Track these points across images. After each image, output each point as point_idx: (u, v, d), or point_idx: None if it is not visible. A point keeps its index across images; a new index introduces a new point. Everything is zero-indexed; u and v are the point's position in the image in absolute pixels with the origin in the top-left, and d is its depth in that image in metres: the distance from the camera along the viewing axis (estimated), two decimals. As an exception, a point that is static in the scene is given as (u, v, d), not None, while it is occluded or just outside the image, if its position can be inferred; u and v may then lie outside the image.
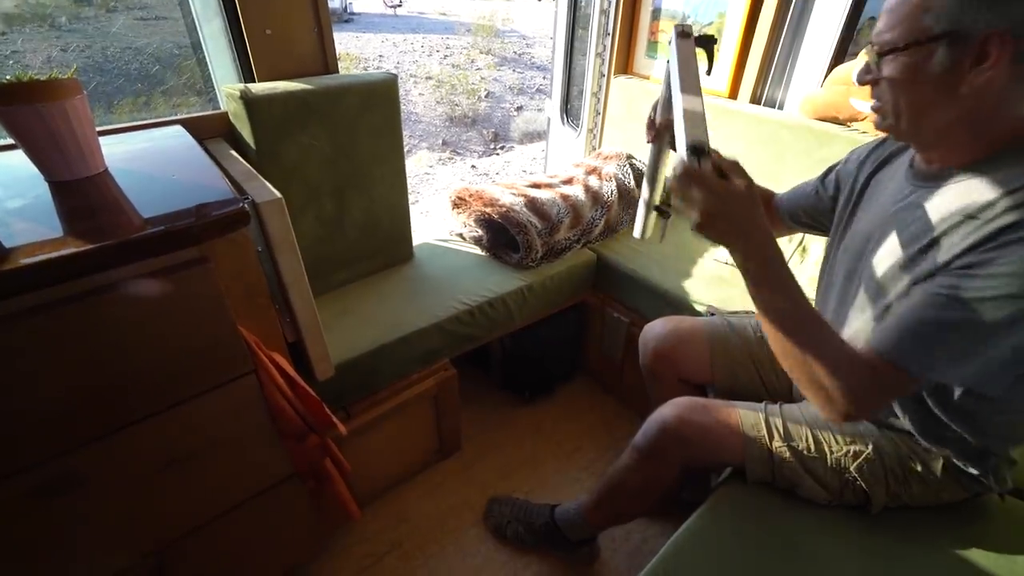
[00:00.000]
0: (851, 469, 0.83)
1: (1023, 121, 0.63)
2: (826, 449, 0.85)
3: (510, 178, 1.59)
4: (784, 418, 0.89)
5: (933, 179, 0.71)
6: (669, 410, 0.92)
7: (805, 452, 0.85)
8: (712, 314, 1.25)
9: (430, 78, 8.12)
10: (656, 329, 1.15)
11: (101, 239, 0.66)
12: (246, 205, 0.77)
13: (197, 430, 0.84)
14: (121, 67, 1.71)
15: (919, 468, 0.82)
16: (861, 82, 0.70)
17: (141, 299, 0.70)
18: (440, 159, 5.84)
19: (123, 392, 0.74)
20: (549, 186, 1.67)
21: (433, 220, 1.86)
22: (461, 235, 1.67)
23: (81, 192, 0.79)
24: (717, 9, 1.69)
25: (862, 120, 1.47)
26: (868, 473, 0.83)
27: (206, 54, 1.27)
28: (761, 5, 1.57)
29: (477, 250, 1.62)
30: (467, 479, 1.52)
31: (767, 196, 1.07)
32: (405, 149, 1.44)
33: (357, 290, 1.43)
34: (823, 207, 0.96)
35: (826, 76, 1.54)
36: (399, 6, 14.76)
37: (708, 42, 0.81)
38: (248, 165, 1.05)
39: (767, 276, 0.68)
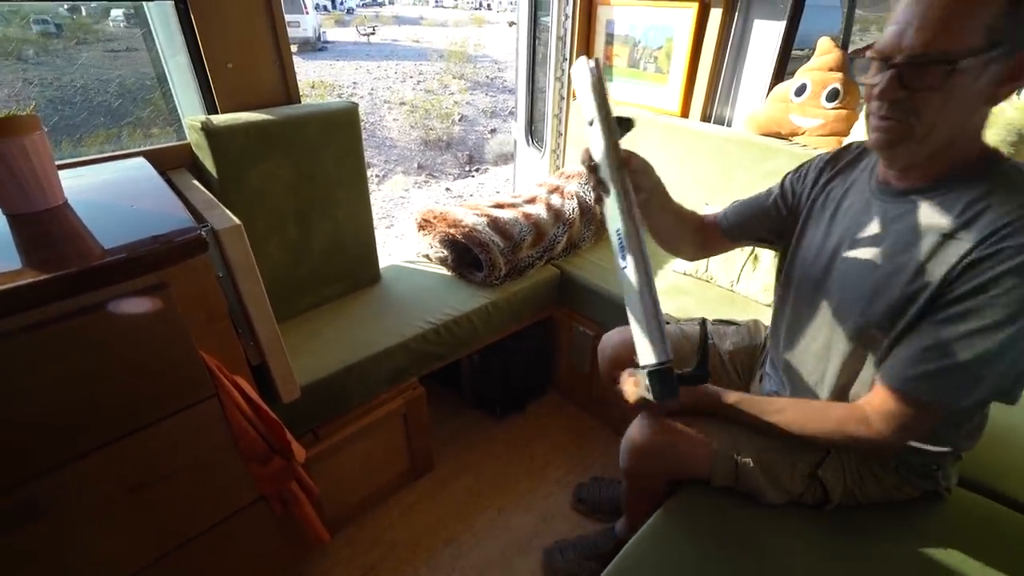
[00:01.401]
0: (817, 472, 0.86)
1: (983, 142, 0.69)
2: (790, 453, 0.87)
3: (484, 199, 1.65)
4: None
5: (903, 195, 0.73)
6: (634, 432, 0.94)
7: (770, 459, 0.87)
8: (667, 323, 1.30)
9: (404, 103, 8.24)
10: (613, 339, 1.19)
11: (58, 269, 0.67)
12: (204, 232, 0.79)
13: (160, 455, 0.85)
14: (90, 99, 1.73)
15: (875, 469, 0.86)
16: (887, 98, 0.65)
17: (101, 326, 0.72)
18: (416, 183, 5.90)
19: (83, 419, 0.75)
20: (512, 206, 1.73)
21: (408, 243, 1.89)
22: (427, 256, 1.71)
23: (40, 224, 0.81)
24: (665, 35, 1.79)
25: (801, 135, 1.57)
26: (831, 474, 0.86)
27: (171, 87, 1.31)
28: (705, 30, 1.67)
29: (443, 270, 1.66)
30: (440, 499, 1.53)
31: (695, 220, 1.05)
32: (380, 174, 1.49)
33: (324, 313, 1.45)
34: (779, 218, 0.96)
35: (768, 94, 1.64)
36: (372, 34, 15.00)
37: (627, 124, 0.79)
38: (210, 194, 1.07)
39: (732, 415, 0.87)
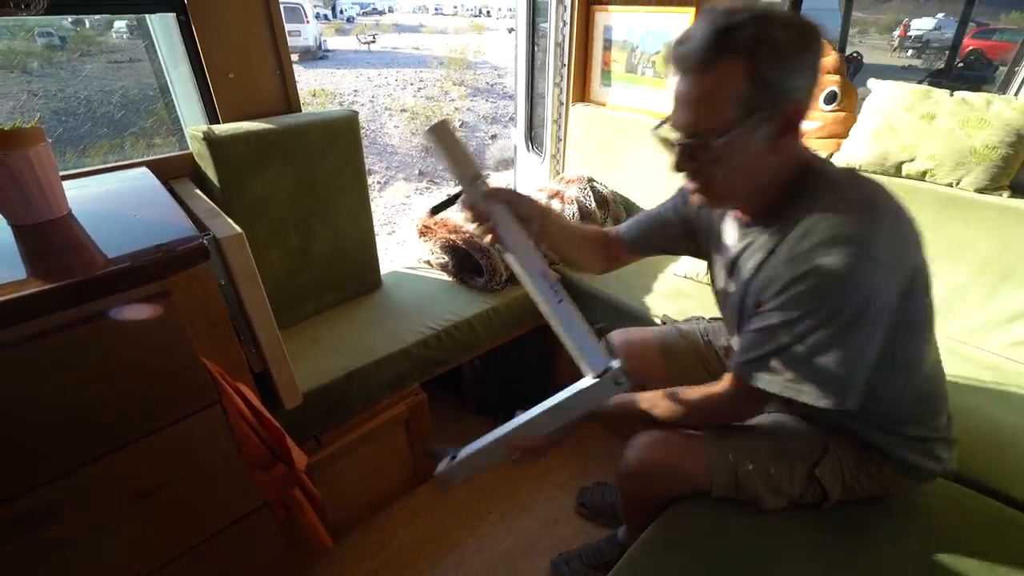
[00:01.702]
0: (815, 472, 0.87)
1: (798, 171, 0.73)
2: (788, 457, 0.88)
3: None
4: (743, 434, 0.92)
5: (747, 226, 0.81)
6: (631, 453, 0.95)
7: (767, 465, 0.88)
8: (664, 323, 1.30)
9: (405, 110, 8.28)
10: (619, 338, 1.19)
11: (63, 278, 0.68)
12: (206, 241, 0.80)
13: (164, 462, 0.86)
14: (94, 110, 1.75)
15: (869, 463, 0.87)
16: (682, 170, 0.74)
17: (104, 335, 0.73)
18: (417, 189, 5.92)
19: (88, 427, 0.76)
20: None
21: (410, 249, 1.91)
22: (428, 262, 1.71)
23: (44, 235, 0.82)
24: (662, 39, 1.80)
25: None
26: (828, 472, 0.87)
27: (174, 97, 1.32)
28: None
29: (444, 276, 1.66)
30: (443, 504, 1.53)
31: (597, 238, 1.08)
32: (382, 180, 1.50)
33: (326, 320, 1.46)
34: (680, 230, 0.99)
35: (766, 98, 1.65)
36: (372, 42, 15.09)
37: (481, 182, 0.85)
38: (212, 203, 1.08)
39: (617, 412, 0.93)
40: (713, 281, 0.98)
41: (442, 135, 0.80)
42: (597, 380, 0.80)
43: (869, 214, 0.68)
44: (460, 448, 0.91)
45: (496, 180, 6.08)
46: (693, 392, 0.87)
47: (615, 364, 0.79)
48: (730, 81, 0.63)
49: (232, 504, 0.99)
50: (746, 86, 0.63)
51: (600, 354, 0.81)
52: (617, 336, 1.20)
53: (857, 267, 0.64)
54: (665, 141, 0.73)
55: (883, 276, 0.66)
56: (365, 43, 14.95)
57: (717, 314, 1.30)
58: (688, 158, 0.71)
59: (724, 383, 0.82)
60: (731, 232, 0.86)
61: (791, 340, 0.70)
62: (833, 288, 0.66)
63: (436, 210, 0.89)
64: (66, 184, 0.89)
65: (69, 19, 2.49)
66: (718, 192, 0.75)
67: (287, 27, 1.33)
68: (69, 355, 0.71)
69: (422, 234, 1.68)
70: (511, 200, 0.86)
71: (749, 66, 0.62)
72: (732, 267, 0.85)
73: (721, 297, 0.94)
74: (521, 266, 0.83)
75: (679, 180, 0.78)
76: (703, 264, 1.58)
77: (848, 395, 0.71)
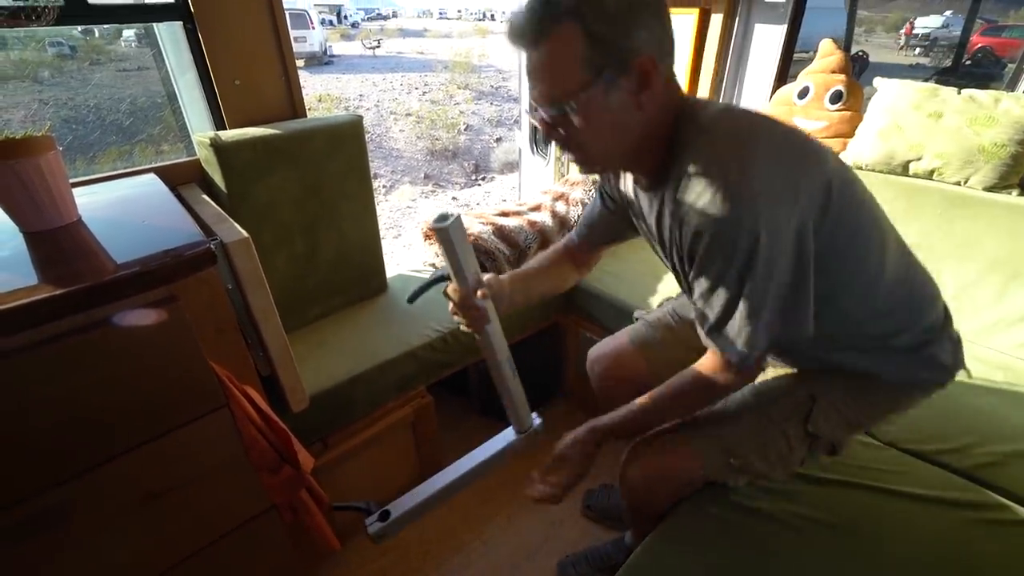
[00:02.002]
0: (807, 428, 0.86)
1: (673, 123, 0.71)
2: (776, 424, 0.87)
3: (490, 208, 1.68)
4: (725, 418, 0.91)
5: (648, 190, 0.80)
6: (630, 470, 0.95)
7: (760, 439, 0.87)
8: (637, 318, 1.29)
9: (410, 114, 8.33)
10: (595, 353, 1.20)
11: (72, 284, 0.69)
12: (213, 246, 0.81)
13: (173, 465, 0.86)
14: (103, 118, 1.77)
15: (863, 393, 0.86)
16: (550, 140, 0.74)
17: (113, 339, 0.74)
18: (422, 192, 5.95)
19: (97, 430, 0.77)
20: (517, 214, 1.74)
21: (415, 252, 1.91)
22: (434, 265, 1.72)
23: (55, 241, 0.83)
24: (666, 41, 1.80)
25: (806, 138, 1.56)
26: (823, 421, 0.86)
27: (181, 104, 1.34)
28: (706, 36, 1.68)
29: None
30: (449, 506, 1.52)
31: (560, 261, 1.07)
32: (388, 184, 1.52)
33: (332, 323, 1.47)
34: (614, 220, 0.98)
35: (771, 98, 1.64)
36: (377, 47, 15.19)
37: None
38: (219, 208, 1.09)
39: (619, 432, 0.90)
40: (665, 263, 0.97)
41: (456, 233, 0.77)
42: (522, 434, 1.00)
43: (743, 148, 0.66)
44: (377, 503, 0.95)
45: (501, 183, 6.07)
46: (683, 383, 0.83)
47: (537, 422, 1.00)
48: (567, 45, 0.64)
49: (240, 506, 0.99)
50: (583, 47, 0.63)
51: (529, 416, 0.99)
52: (598, 347, 1.21)
53: (741, 206, 0.63)
54: (539, 120, 0.72)
55: (777, 204, 0.64)
56: (370, 48, 15.05)
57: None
58: (553, 128, 0.71)
59: (708, 362, 0.80)
60: (644, 201, 0.83)
61: (729, 294, 0.69)
62: (729, 235, 0.65)
63: (413, 298, 0.91)
64: (76, 191, 0.90)
65: (79, 28, 2.53)
66: (592, 156, 0.74)
67: (292, 33, 1.34)
68: (79, 359, 0.72)
69: (427, 237, 1.68)
70: (493, 292, 0.89)
71: (580, 28, 0.62)
72: (658, 237, 0.83)
73: (670, 269, 0.92)
74: (493, 350, 0.91)
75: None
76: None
77: (806, 324, 0.72)
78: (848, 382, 0.87)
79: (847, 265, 0.74)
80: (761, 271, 0.66)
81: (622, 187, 0.91)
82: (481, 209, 1.76)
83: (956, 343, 0.87)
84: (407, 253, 3.94)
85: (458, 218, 0.75)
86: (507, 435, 0.98)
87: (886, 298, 0.80)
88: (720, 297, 0.70)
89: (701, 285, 0.72)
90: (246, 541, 1.01)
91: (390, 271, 1.68)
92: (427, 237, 1.70)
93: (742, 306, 0.69)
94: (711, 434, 0.90)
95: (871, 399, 0.87)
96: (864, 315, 0.80)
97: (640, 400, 0.87)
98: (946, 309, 0.87)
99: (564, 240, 1.09)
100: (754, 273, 0.66)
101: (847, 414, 0.87)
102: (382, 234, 1.64)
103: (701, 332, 0.77)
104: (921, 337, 0.84)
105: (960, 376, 0.89)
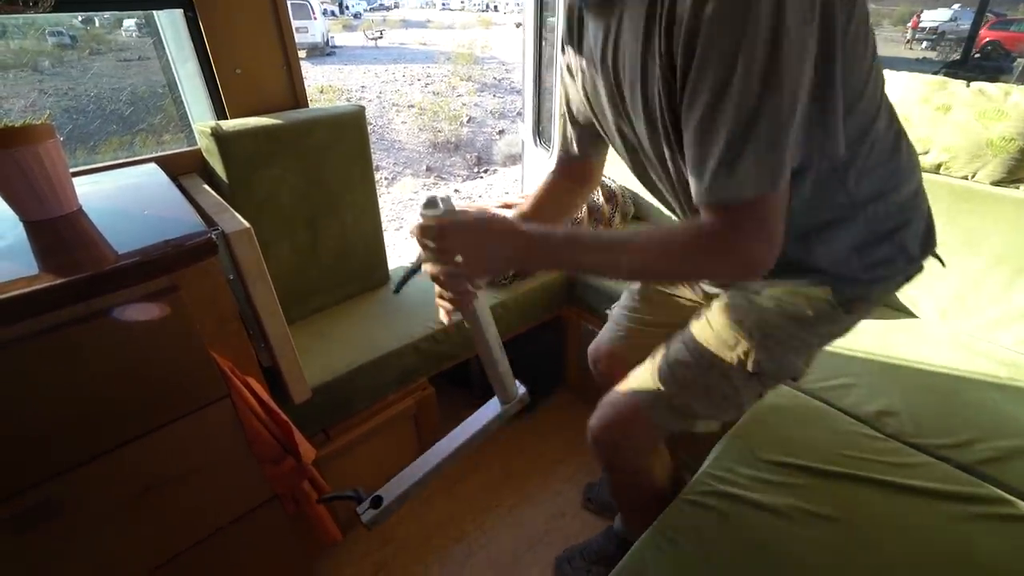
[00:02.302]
0: (747, 366, 0.81)
1: None
2: (716, 367, 0.83)
3: (492, 200, 1.67)
4: (669, 355, 0.87)
5: (605, 3, 0.66)
6: (591, 424, 0.96)
7: (702, 382, 0.84)
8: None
9: (412, 106, 8.29)
10: (592, 353, 1.19)
11: (73, 273, 0.69)
12: (214, 236, 0.81)
13: (174, 455, 0.87)
14: (104, 108, 1.76)
15: (809, 309, 0.78)
16: None
17: (115, 329, 0.74)
18: (424, 185, 5.93)
19: (98, 420, 0.77)
20: (520, 206, 1.73)
21: (417, 244, 1.90)
22: (436, 257, 1.71)
23: (55, 230, 0.83)
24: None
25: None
26: (766, 360, 0.81)
27: (182, 93, 1.33)
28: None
29: (452, 270, 1.66)
30: (451, 496, 1.53)
31: (563, 189, 0.97)
32: (390, 176, 1.51)
33: (334, 315, 1.47)
34: (587, 107, 0.83)
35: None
36: (380, 38, 15.09)
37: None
38: (220, 198, 1.09)
39: (575, 260, 0.67)
40: (616, 145, 0.81)
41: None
42: (507, 404, 0.95)
43: None
44: (366, 490, 0.86)
45: (504, 176, 6.04)
46: (682, 234, 0.64)
47: (521, 391, 0.96)
48: None
49: (242, 497, 1.00)
50: None
51: (514, 385, 0.95)
52: (591, 354, 1.20)
53: None
54: None
55: None
56: (372, 39, 14.95)
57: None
58: None
59: (707, 226, 0.61)
60: (592, 31, 0.70)
61: (744, 96, 0.52)
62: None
63: (399, 287, 0.83)
64: (76, 180, 0.89)
65: (79, 18, 2.51)
66: None
67: (294, 23, 1.33)
68: (79, 350, 0.71)
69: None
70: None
71: None
72: (613, 74, 0.68)
73: (630, 151, 0.78)
74: (480, 325, 0.83)
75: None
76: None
77: (838, 137, 0.61)
78: (793, 308, 0.79)
79: (853, 84, 0.61)
80: (788, 50, 0.50)
81: (570, 46, 0.79)
82: (483, 201, 1.75)
83: (929, 221, 0.78)
84: (409, 245, 3.93)
85: (448, 201, 0.68)
86: (493, 406, 0.97)
87: (876, 144, 0.68)
88: (729, 112, 0.53)
89: (700, 102, 0.55)
90: (248, 532, 1.02)
91: (392, 263, 1.67)
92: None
93: (768, 108, 0.52)
94: (649, 381, 0.88)
95: (824, 313, 0.79)
96: (850, 163, 0.66)
97: (623, 234, 0.67)
98: (921, 182, 0.77)
99: (558, 162, 0.97)
100: (780, 54, 0.50)
101: (792, 344, 0.81)
102: (384, 226, 1.63)
103: (698, 192, 0.59)
104: (896, 214, 0.73)
105: (965, 370, 0.88)
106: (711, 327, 0.85)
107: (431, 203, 0.67)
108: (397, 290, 0.85)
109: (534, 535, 1.41)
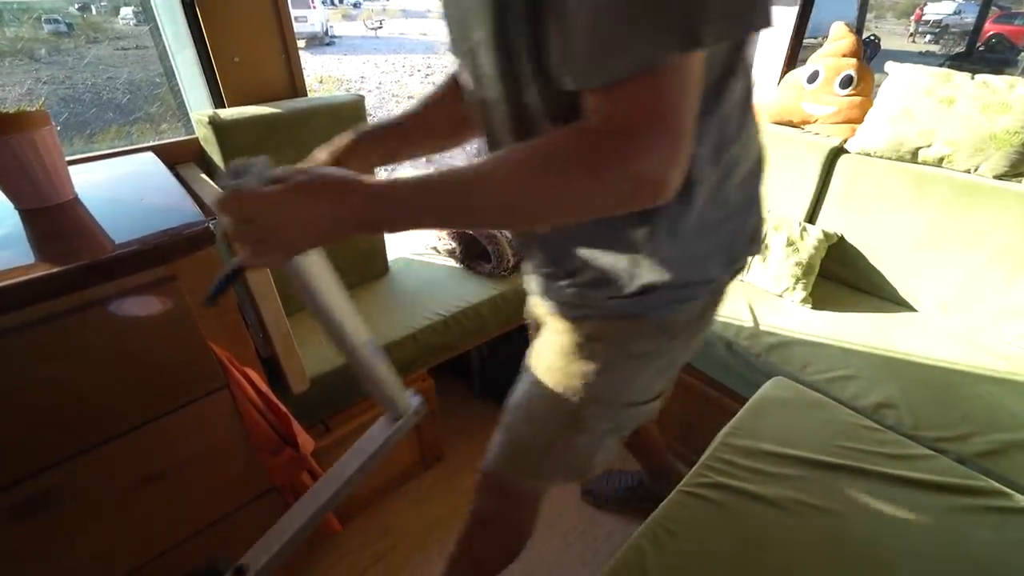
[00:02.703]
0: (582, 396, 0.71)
1: None
2: (546, 432, 0.76)
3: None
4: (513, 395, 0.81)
5: None
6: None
7: (528, 417, 0.77)
8: None
9: (412, 97, 8.23)
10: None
11: (70, 262, 0.69)
12: (212, 225, 0.80)
13: (172, 446, 0.87)
14: (100, 96, 1.75)
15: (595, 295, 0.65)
16: None
17: (112, 318, 0.73)
18: (424, 176, 5.90)
19: (97, 410, 0.76)
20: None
21: (417, 235, 1.90)
22: (436, 248, 1.71)
23: (51, 219, 0.82)
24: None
25: (814, 123, 1.54)
26: (599, 426, 0.74)
27: (179, 82, 1.31)
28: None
29: (451, 262, 1.66)
30: (451, 488, 1.53)
31: (442, 93, 0.73)
32: (389, 167, 1.50)
33: (333, 306, 1.46)
34: None
35: (779, 82, 1.61)
36: (380, 28, 14.97)
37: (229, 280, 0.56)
38: (218, 187, 1.08)
39: (432, 210, 0.49)
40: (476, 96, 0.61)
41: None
42: (399, 421, 0.77)
43: None
44: (225, 557, 0.67)
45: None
46: (546, 142, 0.46)
47: (415, 402, 0.79)
48: None
49: (240, 488, 1.00)
50: None
51: (404, 395, 0.78)
52: None
53: None
54: None
55: None
56: (372, 29, 14.83)
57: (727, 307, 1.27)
58: None
59: (590, 119, 0.44)
60: None
61: None
62: None
63: (213, 299, 0.56)
64: (73, 169, 0.89)
65: (76, 5, 2.49)
66: None
67: (293, 12, 1.31)
68: (76, 339, 0.71)
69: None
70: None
71: None
72: None
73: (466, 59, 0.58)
74: (340, 327, 0.65)
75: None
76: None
77: None
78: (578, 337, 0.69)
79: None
80: None
81: None
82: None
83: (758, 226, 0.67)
84: (408, 235, 3.92)
85: (259, 166, 0.52)
86: (382, 427, 0.78)
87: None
88: None
89: None
90: (246, 523, 1.02)
91: (392, 254, 1.67)
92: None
93: None
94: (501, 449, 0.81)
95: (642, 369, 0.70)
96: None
97: (473, 167, 0.48)
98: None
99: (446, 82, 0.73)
100: None
101: (625, 400, 0.74)
102: (383, 217, 1.62)
103: (572, 72, 0.44)
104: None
105: (965, 364, 0.88)
106: (540, 361, 0.76)
107: (238, 171, 0.51)
108: (210, 302, 0.56)
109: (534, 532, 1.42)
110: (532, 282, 0.77)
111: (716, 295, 0.70)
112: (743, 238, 0.66)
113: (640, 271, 0.61)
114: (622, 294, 0.63)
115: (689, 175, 0.49)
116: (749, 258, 0.70)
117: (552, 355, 0.74)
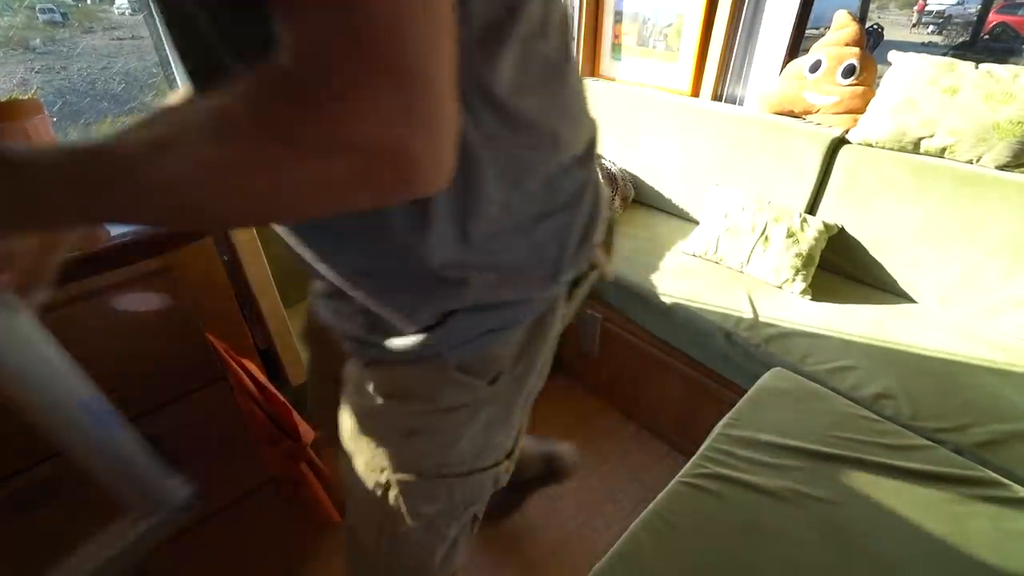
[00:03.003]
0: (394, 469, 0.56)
1: None
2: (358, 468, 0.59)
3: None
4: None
5: None
6: None
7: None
8: None
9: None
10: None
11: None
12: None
13: (170, 437, 0.86)
14: (96, 86, 1.73)
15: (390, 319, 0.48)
16: None
17: (108, 309, 0.73)
18: (423, 168, 5.88)
19: (93, 401, 0.76)
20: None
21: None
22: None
23: (46, 209, 0.81)
24: (676, 11, 1.74)
25: (816, 112, 1.53)
26: (426, 505, 0.58)
27: (175, 71, 1.30)
28: (716, 5, 1.63)
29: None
30: (449, 479, 1.54)
31: None
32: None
33: (332, 297, 1.46)
34: None
35: (781, 72, 1.60)
36: (378, 18, 14.83)
37: None
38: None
39: (81, 192, 0.30)
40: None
41: None
42: (154, 516, 0.57)
43: None
44: None
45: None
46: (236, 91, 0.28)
47: (184, 491, 0.59)
48: None
49: (239, 479, 1.00)
50: None
51: (163, 481, 0.57)
52: None
53: None
54: None
55: None
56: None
57: (727, 297, 1.24)
58: None
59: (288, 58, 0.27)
60: None
61: None
62: None
63: None
64: (67, 158, 0.88)
65: (70, -7, 2.46)
66: None
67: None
68: (71, 330, 0.71)
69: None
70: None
71: None
72: None
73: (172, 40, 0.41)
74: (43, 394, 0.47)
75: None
76: (713, 243, 1.56)
77: None
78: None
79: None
80: None
81: None
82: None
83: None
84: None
85: None
86: (121, 528, 0.56)
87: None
88: None
89: None
90: (246, 512, 1.02)
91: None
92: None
93: None
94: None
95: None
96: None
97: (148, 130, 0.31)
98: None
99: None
100: None
101: (453, 470, 0.56)
102: (382, 208, 1.61)
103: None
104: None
105: (963, 355, 0.88)
106: (344, 424, 0.59)
107: None
108: None
109: (533, 522, 1.42)
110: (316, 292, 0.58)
111: (548, 315, 0.53)
112: (573, 239, 0.49)
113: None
114: (415, 326, 0.47)
115: (473, 151, 0.36)
116: (591, 261, 0.55)
117: (350, 418, 0.57)
